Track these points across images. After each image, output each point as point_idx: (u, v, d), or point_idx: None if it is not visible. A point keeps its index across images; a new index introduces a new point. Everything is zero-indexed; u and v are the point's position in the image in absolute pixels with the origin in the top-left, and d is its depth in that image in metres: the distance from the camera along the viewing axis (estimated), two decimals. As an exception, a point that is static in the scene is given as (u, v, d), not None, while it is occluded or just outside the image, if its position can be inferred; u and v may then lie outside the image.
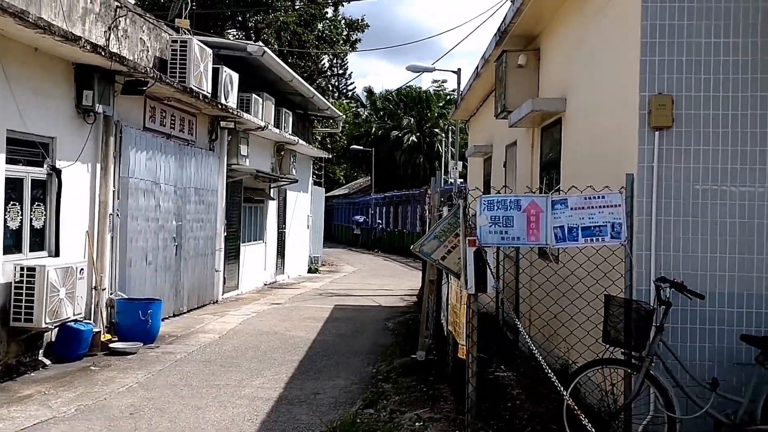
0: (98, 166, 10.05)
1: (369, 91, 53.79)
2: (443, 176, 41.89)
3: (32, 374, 8.16)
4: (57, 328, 8.84)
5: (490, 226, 5.13)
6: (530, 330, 7.24)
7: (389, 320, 13.23)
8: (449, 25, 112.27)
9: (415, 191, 35.64)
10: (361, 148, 46.66)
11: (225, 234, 15.37)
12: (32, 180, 8.64)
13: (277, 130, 17.64)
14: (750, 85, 5.11)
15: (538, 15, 7.70)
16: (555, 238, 5.15)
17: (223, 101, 13.70)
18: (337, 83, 52.19)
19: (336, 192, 61.61)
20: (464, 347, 5.39)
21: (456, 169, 20.15)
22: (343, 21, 34.74)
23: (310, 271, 23.96)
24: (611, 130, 5.84)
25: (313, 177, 25.62)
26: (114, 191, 10.60)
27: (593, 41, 6.45)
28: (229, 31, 31.63)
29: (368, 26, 35.51)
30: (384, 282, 21.29)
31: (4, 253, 8.08)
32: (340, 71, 48.23)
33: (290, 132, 19.37)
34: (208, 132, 14.57)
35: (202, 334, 11.25)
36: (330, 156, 25.95)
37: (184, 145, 13.09)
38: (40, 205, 8.85)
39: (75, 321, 8.94)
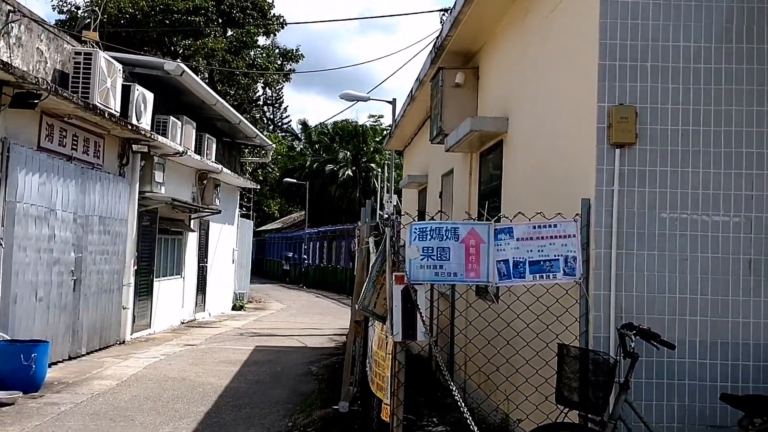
0: (-24, 187, 8.72)
1: (304, 124, 52.84)
2: (378, 210, 40.89)
3: None
4: None
5: (422, 259, 4.22)
6: (468, 382, 6.31)
7: (314, 363, 12.11)
8: (388, 61, 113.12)
9: (349, 226, 34.68)
10: (295, 181, 45.53)
11: (135, 267, 14.00)
12: None
13: (198, 157, 16.46)
14: (725, 98, 4.40)
15: (477, 27, 6.95)
16: (498, 275, 4.27)
17: (134, 122, 12.51)
18: (272, 116, 51.18)
19: (269, 226, 60.07)
20: (389, 406, 4.40)
21: (390, 202, 19.25)
22: (277, 50, 33.93)
23: (234, 308, 22.56)
24: (562, 151, 5.05)
25: (240, 209, 24.38)
26: (-3, 217, 9.25)
27: (539, 52, 5.70)
28: (156, 56, 30.30)
29: (303, 56, 34.83)
30: (313, 320, 20.12)
31: None
32: (275, 103, 47.23)
33: (213, 159, 18.20)
34: (118, 156, 13.29)
35: (98, 381, 9.88)
36: (257, 187, 24.79)
37: (88, 169, 11.80)
38: None
39: (-66, 369, 7.53)
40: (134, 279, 13.99)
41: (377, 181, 47.68)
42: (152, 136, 13.28)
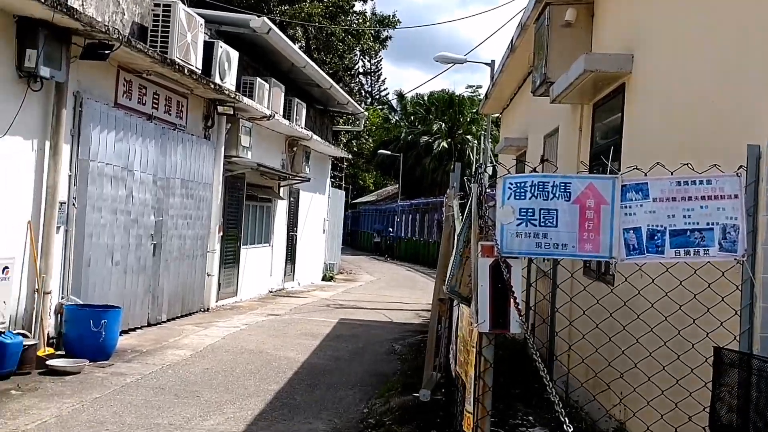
0: (47, 144, 8.31)
1: (400, 95, 52.00)
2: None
3: (-73, 399, 6.39)
4: (-25, 340, 7.10)
5: (519, 225, 3.20)
6: (571, 378, 5.25)
7: (397, 341, 11.28)
8: (487, 33, 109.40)
9: (441, 198, 33.60)
10: (389, 152, 44.80)
11: (221, 234, 13.58)
12: (-55, 153, 6.91)
13: (286, 122, 15.84)
14: None
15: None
16: (626, 248, 3.18)
17: (217, 81, 11.93)
18: (370, 88, 50.49)
19: (364, 198, 59.83)
20: (471, 415, 3.43)
21: (486, 172, 18.06)
22: (374, 17, 33.00)
23: (324, 279, 22.11)
24: (716, 89, 3.86)
25: (332, 178, 23.83)
26: (70, 175, 8.86)
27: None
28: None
29: (399, 22, 33.76)
30: (402, 294, 19.34)
31: None
32: (374, 74, 46.31)
33: (303, 125, 17.57)
34: (203, 117, 12.82)
35: (173, 351, 9.42)
36: (349, 156, 24.11)
37: (170, 129, 11.34)
38: (-43, 186, 7.11)
39: (1, 332, 7.17)
40: (220, 246, 13.59)
41: (473, 153, 46.27)
42: (237, 97, 12.69)
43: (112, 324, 8.61)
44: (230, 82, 12.63)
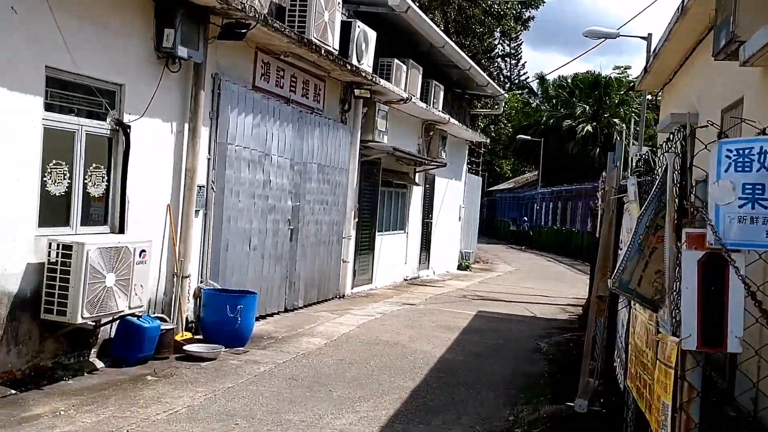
0: (186, 126, 8.24)
1: (541, 78, 49.87)
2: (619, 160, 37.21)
3: (70, 381, 6.41)
4: (116, 323, 7.12)
5: (743, 206, 2.40)
6: (759, 392, 4.30)
7: (542, 338, 10.44)
8: (633, 14, 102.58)
9: (587, 185, 31.85)
10: (529, 138, 43.18)
11: (356, 220, 13.29)
12: (88, 135, 6.91)
13: (423, 105, 15.30)
14: None
15: None
16: None
17: (354, 62, 11.56)
18: (509, 72, 49.02)
19: (501, 186, 58.43)
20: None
21: (639, 154, 16.59)
22: (515, -4, 31.74)
23: (459, 267, 21.48)
24: None
25: (468, 164, 23.07)
26: (208, 159, 8.78)
27: None
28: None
29: (543, 2, 32.21)
30: (544, 286, 18.32)
31: (41, 225, 6.40)
32: (514, 57, 44.79)
33: (440, 109, 16.95)
34: (339, 101, 12.53)
35: (307, 339, 9.18)
36: (487, 141, 23.19)
37: (307, 113, 11.12)
38: (99, 168, 7.12)
39: (138, 315, 7.14)
40: (355, 232, 13.31)
41: (621, 137, 43.61)
42: (375, 80, 12.29)
43: (248, 310, 8.46)
44: (367, 64, 12.23)
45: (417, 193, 17.32)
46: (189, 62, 8.03)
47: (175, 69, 7.88)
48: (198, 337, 8.43)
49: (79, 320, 6.26)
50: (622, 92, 46.29)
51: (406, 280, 16.77)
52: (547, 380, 7.77)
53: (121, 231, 7.29)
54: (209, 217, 8.85)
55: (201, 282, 8.81)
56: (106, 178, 7.21)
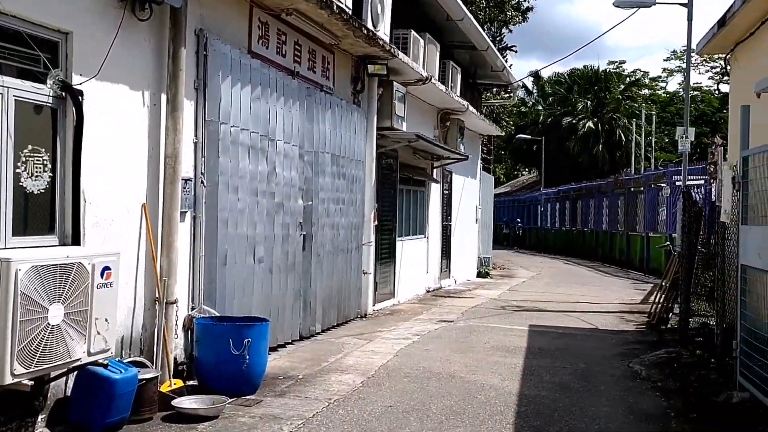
0: (163, 97, 6.04)
1: (536, 76, 48.03)
2: (631, 169, 35.44)
3: (-3, 473, 4.16)
4: (74, 376, 4.88)
5: None
6: None
7: (630, 358, 8.26)
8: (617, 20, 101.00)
9: (600, 182, 29.87)
10: (528, 137, 41.21)
11: (376, 223, 11.10)
12: (19, 102, 4.70)
13: (443, 88, 13.17)
14: None
15: None
16: None
17: (369, 26, 9.42)
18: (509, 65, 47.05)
19: (498, 190, 56.48)
20: None
21: (686, 137, 14.61)
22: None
23: (479, 275, 19.31)
24: None
25: (481, 161, 20.97)
26: (195, 143, 6.59)
27: None
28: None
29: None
30: (579, 292, 16.17)
31: (-56, 234, 4.16)
32: (512, 50, 42.61)
33: (459, 94, 14.84)
34: (351, 80, 10.38)
35: (337, 376, 6.96)
36: (503, 133, 21.12)
37: (316, 91, 8.95)
38: (38, 152, 4.89)
39: (104, 363, 4.89)
40: (375, 237, 11.12)
41: (623, 134, 41.80)
42: (392, 50, 10.14)
43: (258, 343, 6.23)
44: (383, 32, 10.10)
45: (435, 192, 15.16)
46: (164, 7, 5.85)
47: (144, 16, 5.69)
48: (192, 383, 6.21)
49: (8, 379, 4.01)
50: (621, 88, 44.58)
51: (428, 291, 14.57)
52: (678, 421, 5.60)
53: (76, 242, 5.05)
54: (200, 221, 6.63)
55: (193, 308, 6.58)
56: (50, 166, 4.98)
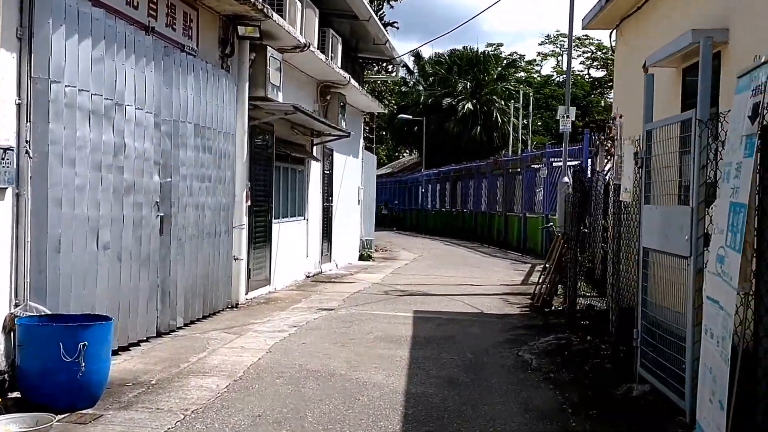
0: (-32, 42, 4.80)
1: (416, 56, 47.87)
2: (501, 153, 36.16)
3: None
4: None
5: None
6: None
7: (518, 345, 7.81)
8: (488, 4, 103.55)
9: (480, 163, 30.05)
10: (409, 116, 41.03)
11: (249, 204, 10.10)
12: None
13: (323, 57, 12.27)
14: None
15: None
16: None
17: (239, -20, 8.38)
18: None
19: (380, 171, 56.23)
20: None
21: (567, 117, 14.54)
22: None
23: (362, 258, 18.66)
24: None
25: (363, 139, 20.28)
26: (19, 104, 5.38)
27: None
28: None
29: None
30: (462, 274, 15.88)
31: None
32: (395, 27, 42.05)
33: (339, 66, 14.00)
34: (219, 41, 9.29)
35: (197, 380, 6.00)
36: (385, 111, 20.50)
37: (175, 51, 7.83)
38: None
39: None
40: (248, 219, 10.13)
41: (501, 115, 42.51)
42: (265, 10, 9.12)
43: (98, 347, 5.17)
44: (255, -11, 9.05)
45: (316, 171, 14.28)
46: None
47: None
48: (14, 396, 5.08)
49: None
50: (500, 69, 45.29)
51: (308, 277, 13.71)
52: (580, 420, 5.11)
53: None
54: (25, 199, 5.45)
55: (16, 305, 5.40)
56: None
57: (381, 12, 29.16)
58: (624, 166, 5.77)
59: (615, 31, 10.74)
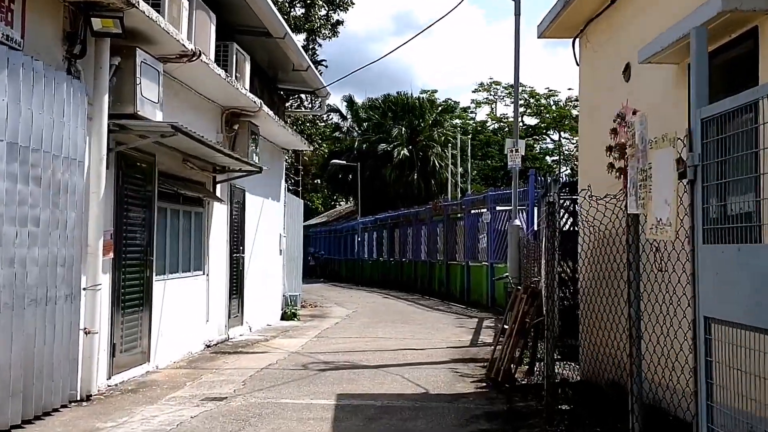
0: None
1: (349, 101, 46.19)
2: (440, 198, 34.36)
3: None
4: None
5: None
6: None
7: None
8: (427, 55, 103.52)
9: (419, 209, 27.94)
10: (344, 162, 38.94)
11: (112, 255, 7.48)
12: None
13: (222, 72, 9.85)
14: None
15: None
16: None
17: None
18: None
19: (314, 221, 53.68)
20: None
21: (516, 150, 12.53)
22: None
23: (284, 317, 16.01)
24: None
25: (287, 181, 17.84)
26: None
27: None
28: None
29: (353, 4, 28.15)
30: (401, 334, 13.46)
31: None
32: (324, 66, 40.23)
33: (247, 89, 11.62)
34: (63, 36, 6.81)
35: None
36: (311, 149, 18.19)
37: (-27, 33, 5.29)
38: None
39: None
40: (111, 276, 7.51)
41: (438, 161, 40.84)
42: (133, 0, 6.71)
43: None
44: (111, -36, 6.65)
45: (220, 215, 11.71)
46: None
47: None
48: None
49: None
50: (436, 113, 43.85)
51: (209, 346, 11.01)
52: None
53: None
54: None
55: None
56: None
57: (312, 49, 27.15)
58: (654, 186, 3.53)
59: (579, 38, 8.76)
